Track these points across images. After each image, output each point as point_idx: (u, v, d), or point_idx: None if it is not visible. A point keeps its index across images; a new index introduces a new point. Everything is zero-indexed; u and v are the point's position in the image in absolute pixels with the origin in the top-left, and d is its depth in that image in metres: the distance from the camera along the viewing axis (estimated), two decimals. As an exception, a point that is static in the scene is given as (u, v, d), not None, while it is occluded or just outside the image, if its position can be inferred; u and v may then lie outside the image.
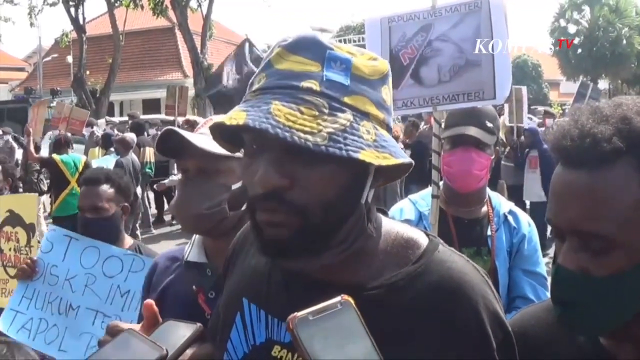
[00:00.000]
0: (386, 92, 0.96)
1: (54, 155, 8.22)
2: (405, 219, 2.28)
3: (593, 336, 0.98)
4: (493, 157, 2.23)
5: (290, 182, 0.88)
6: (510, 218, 2.21)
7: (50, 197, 12.01)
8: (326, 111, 0.87)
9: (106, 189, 2.54)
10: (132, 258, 2.36)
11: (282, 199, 0.88)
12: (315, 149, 0.83)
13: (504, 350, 0.92)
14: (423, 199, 2.31)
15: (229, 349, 1.04)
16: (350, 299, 0.77)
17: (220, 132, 1.01)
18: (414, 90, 2.38)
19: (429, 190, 2.31)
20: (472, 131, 2.16)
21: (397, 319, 0.91)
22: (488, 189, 2.29)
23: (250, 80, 0.96)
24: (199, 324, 0.99)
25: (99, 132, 12.54)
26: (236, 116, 0.87)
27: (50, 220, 9.26)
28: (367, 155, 0.86)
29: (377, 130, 0.91)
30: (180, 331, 0.98)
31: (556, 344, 1.05)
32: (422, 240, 1.00)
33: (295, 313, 0.74)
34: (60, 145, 8.33)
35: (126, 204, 2.63)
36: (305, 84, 0.88)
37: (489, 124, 2.18)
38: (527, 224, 2.21)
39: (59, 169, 7.94)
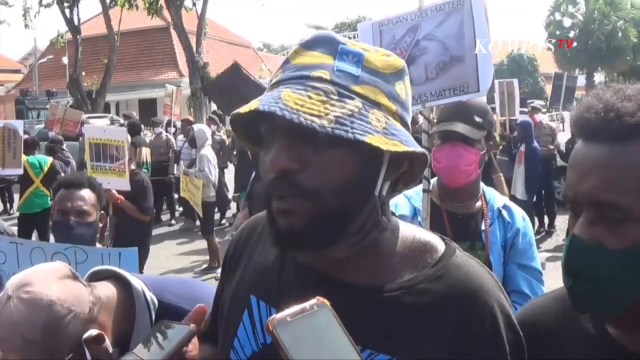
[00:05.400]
0: (401, 88, 0.97)
1: (22, 155, 8.36)
2: (400, 214, 2.29)
3: (600, 314, 0.98)
4: (484, 151, 2.23)
5: (301, 166, 0.89)
6: (504, 212, 2.21)
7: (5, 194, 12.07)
8: (335, 97, 0.89)
9: (89, 193, 2.51)
10: (74, 250, 2.33)
11: (293, 182, 0.89)
12: (321, 131, 0.85)
13: (515, 352, 0.94)
14: (418, 195, 2.32)
15: (235, 347, 1.04)
16: (326, 301, 0.78)
17: (242, 131, 1.02)
18: None
19: (416, 189, 2.33)
20: (459, 127, 2.18)
21: (415, 320, 0.92)
22: (483, 184, 2.29)
23: (270, 78, 0.99)
24: (192, 325, 0.99)
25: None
26: (250, 105, 0.90)
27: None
28: (375, 140, 0.87)
29: (389, 120, 0.92)
30: (174, 332, 0.99)
31: (565, 334, 1.06)
32: (439, 244, 1.01)
33: (274, 315, 0.76)
34: (27, 146, 8.44)
35: (102, 211, 2.61)
36: (316, 73, 0.91)
37: (478, 119, 2.20)
38: (521, 218, 2.22)
39: (24, 167, 8.09)
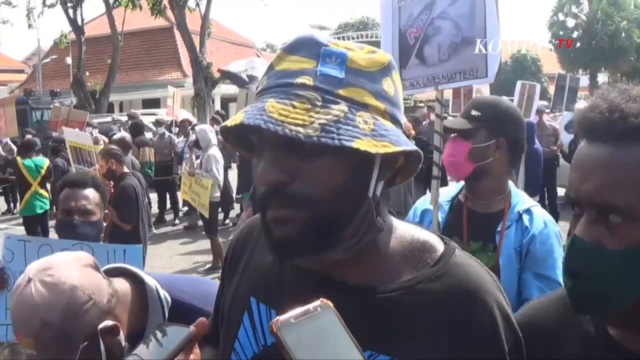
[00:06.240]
0: (389, 84, 0.95)
1: (18, 158, 8.35)
2: (425, 208, 2.37)
3: (600, 314, 0.98)
4: (481, 145, 2.14)
5: (290, 177, 0.89)
6: (525, 217, 2.11)
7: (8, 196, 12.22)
8: (319, 104, 0.87)
9: (93, 192, 2.52)
10: (80, 247, 2.32)
11: (284, 193, 0.89)
12: (306, 140, 0.84)
13: (514, 352, 0.94)
14: (446, 191, 2.37)
15: (236, 349, 1.04)
16: (330, 302, 0.78)
17: (234, 137, 1.02)
18: (418, 70, 2.48)
19: (453, 185, 2.38)
20: (451, 121, 2.23)
21: (414, 320, 0.92)
22: (512, 185, 2.22)
23: (256, 85, 0.98)
24: (192, 327, 0.98)
25: (95, 132, 12.57)
26: (236, 117, 0.89)
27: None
28: (363, 144, 0.86)
29: (377, 120, 0.91)
30: (173, 335, 0.98)
31: (565, 335, 1.05)
32: (438, 244, 1.01)
33: (278, 317, 0.75)
34: (24, 149, 8.41)
35: (106, 211, 2.62)
36: (299, 80, 0.89)
37: (474, 112, 2.16)
38: (542, 224, 2.10)
39: (20, 171, 8.08)
